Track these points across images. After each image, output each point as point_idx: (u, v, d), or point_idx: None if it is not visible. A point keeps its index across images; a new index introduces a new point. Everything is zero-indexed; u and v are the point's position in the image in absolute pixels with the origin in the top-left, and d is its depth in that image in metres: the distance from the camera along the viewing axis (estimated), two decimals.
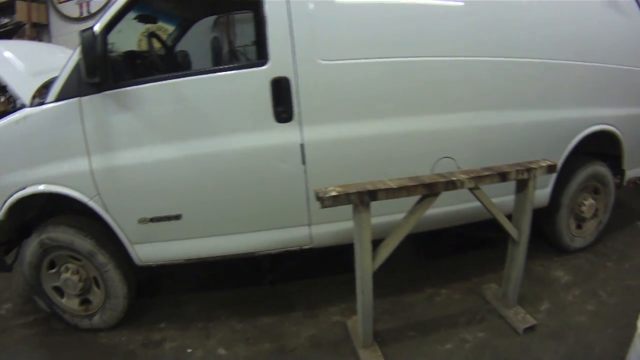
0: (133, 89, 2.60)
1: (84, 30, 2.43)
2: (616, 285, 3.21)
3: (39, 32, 6.78)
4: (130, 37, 3.38)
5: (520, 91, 3.01)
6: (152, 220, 2.78)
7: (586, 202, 3.48)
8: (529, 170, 2.59)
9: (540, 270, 3.42)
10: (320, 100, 2.66)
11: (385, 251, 2.50)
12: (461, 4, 2.84)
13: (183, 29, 3.81)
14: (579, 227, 3.58)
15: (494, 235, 3.63)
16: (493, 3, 2.89)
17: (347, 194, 2.27)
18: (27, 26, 6.60)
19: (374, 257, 2.46)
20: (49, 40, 6.68)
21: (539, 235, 3.35)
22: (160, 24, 3.82)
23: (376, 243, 2.49)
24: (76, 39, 2.48)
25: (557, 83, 3.10)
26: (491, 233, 3.70)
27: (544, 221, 3.40)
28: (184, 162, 2.68)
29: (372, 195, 2.30)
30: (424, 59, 2.74)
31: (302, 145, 2.68)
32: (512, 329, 2.83)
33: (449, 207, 2.94)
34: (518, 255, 2.82)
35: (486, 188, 2.58)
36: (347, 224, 2.63)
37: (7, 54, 3.03)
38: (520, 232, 2.76)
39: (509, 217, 2.77)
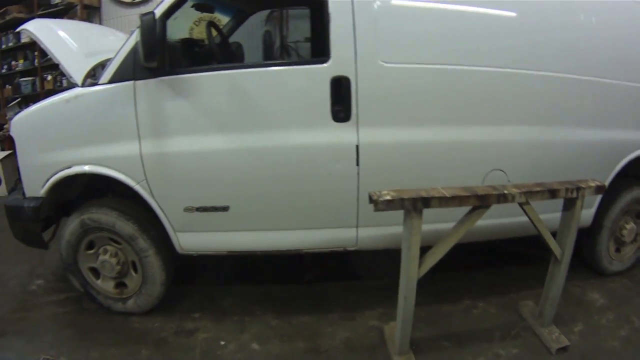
0: (190, 77, 2.60)
1: (144, 14, 2.42)
2: None
3: (90, 14, 6.82)
4: (182, 25, 3.37)
5: (574, 108, 2.97)
6: (199, 209, 2.78)
7: (627, 226, 3.42)
8: (578, 189, 2.55)
9: (576, 290, 3.38)
10: (379, 102, 2.64)
11: (432, 259, 2.48)
12: (526, 18, 2.81)
13: (238, 20, 3.81)
14: (617, 250, 3.53)
15: (534, 252, 3.61)
16: (556, 20, 2.86)
17: (401, 199, 2.26)
18: (78, 7, 6.63)
19: (420, 264, 2.44)
20: (100, 23, 6.70)
21: (576, 255, 3.30)
22: (215, 14, 3.82)
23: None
24: (127, 23, 2.49)
25: (611, 103, 3.05)
26: (532, 249, 3.67)
27: (584, 241, 3.35)
28: (236, 154, 2.68)
29: (426, 202, 2.28)
30: (483, 69, 2.71)
31: (357, 147, 2.66)
32: (545, 348, 2.80)
33: (495, 220, 2.90)
34: (559, 274, 2.78)
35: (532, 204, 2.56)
36: (394, 229, 2.63)
37: (62, 33, 3.04)
38: (563, 251, 2.73)
39: (552, 234, 2.74)
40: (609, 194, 3.23)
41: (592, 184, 2.60)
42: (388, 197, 2.25)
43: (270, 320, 3.08)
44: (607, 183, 3.11)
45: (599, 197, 3.21)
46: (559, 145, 2.98)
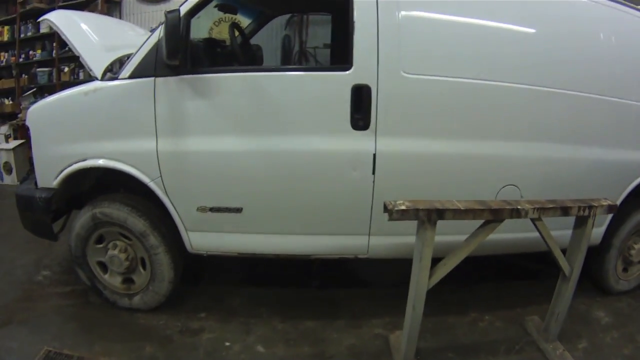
0: (211, 77, 2.62)
1: (170, 11, 2.43)
2: None
3: (110, 8, 6.84)
4: (203, 24, 3.38)
5: (589, 127, 2.97)
6: (212, 209, 2.79)
7: (636, 246, 3.43)
8: (590, 207, 2.55)
9: (582, 308, 3.37)
10: (398, 112, 2.65)
11: (443, 271, 2.48)
12: (546, 36, 2.82)
13: (260, 23, 3.82)
14: (625, 270, 3.53)
15: (542, 268, 3.61)
16: (575, 39, 2.87)
17: (416, 210, 2.26)
18: (99, 1, 6.63)
19: (430, 275, 2.44)
20: (120, 18, 6.71)
21: (583, 273, 3.30)
22: (238, 15, 3.83)
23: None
24: (146, 19, 2.49)
25: (626, 123, 3.06)
26: (540, 265, 3.67)
27: (591, 260, 3.33)
28: (253, 156, 2.68)
29: (440, 214, 2.29)
30: (502, 84, 2.72)
31: (374, 155, 2.67)
32: None
33: (506, 234, 2.88)
34: (566, 291, 2.78)
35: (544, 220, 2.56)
36: (405, 239, 2.64)
37: (84, 26, 3.03)
38: (572, 268, 2.73)
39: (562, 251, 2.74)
40: (619, 213, 3.21)
41: (604, 203, 2.60)
42: (403, 207, 2.25)
43: (277, 323, 3.08)
44: (618, 202, 3.12)
45: (609, 217, 3.20)
46: (573, 163, 2.98)
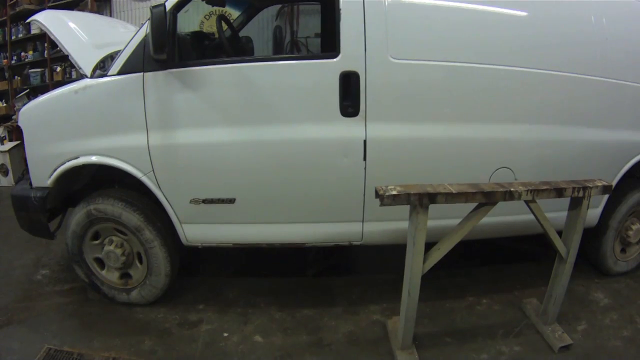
0: (199, 69, 2.61)
1: (155, 6, 2.42)
2: None
3: (100, 6, 6.84)
4: (193, 18, 3.37)
5: (583, 108, 2.97)
6: (205, 201, 2.79)
7: (633, 227, 3.42)
8: (584, 188, 2.54)
9: (580, 290, 3.38)
10: (388, 98, 2.65)
11: (437, 255, 2.48)
12: (537, 17, 2.81)
13: (249, 15, 3.80)
14: (623, 251, 3.53)
15: (540, 250, 3.60)
16: (567, 20, 2.86)
17: (408, 194, 2.26)
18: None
19: (424, 259, 2.44)
20: (110, 16, 6.70)
21: (581, 255, 3.30)
22: (226, 8, 3.82)
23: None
24: (137, 16, 2.49)
25: (620, 104, 3.04)
26: (537, 247, 3.66)
27: (589, 241, 3.34)
28: (244, 147, 2.69)
29: (432, 198, 2.28)
30: (492, 67, 2.71)
31: (365, 141, 2.67)
32: (548, 346, 2.81)
33: (501, 217, 2.90)
34: (563, 273, 2.78)
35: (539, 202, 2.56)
36: (399, 224, 2.65)
37: (71, 25, 3.06)
38: (568, 250, 2.72)
39: (558, 233, 2.73)
40: (616, 194, 3.23)
41: (599, 184, 2.59)
42: (394, 192, 2.25)
43: (274, 312, 3.09)
44: (614, 183, 3.11)
45: (605, 198, 3.21)
46: (567, 145, 2.98)
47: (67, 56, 2.94)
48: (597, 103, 2.99)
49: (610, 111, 3.05)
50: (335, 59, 2.57)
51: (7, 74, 7.35)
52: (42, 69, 7.14)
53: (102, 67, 2.86)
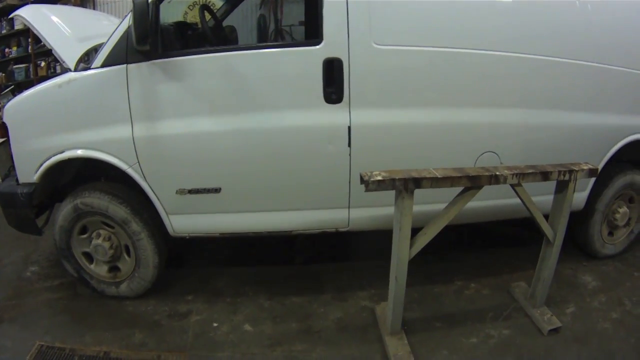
0: (182, 60, 2.60)
1: None
2: None
3: (84, 0, 6.80)
4: (177, 8, 3.35)
5: (568, 92, 2.97)
6: (191, 191, 2.79)
7: (620, 210, 3.44)
8: (570, 172, 2.56)
9: (568, 273, 3.40)
10: (371, 84, 2.65)
11: (423, 240, 2.49)
12: (520, 2, 2.81)
13: (232, 4, 3.79)
14: (610, 234, 3.55)
15: (527, 234, 3.62)
16: (551, 3, 2.85)
17: (392, 180, 2.26)
18: None
19: (411, 245, 2.45)
20: (94, 8, 6.66)
21: (569, 238, 3.32)
22: None
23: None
24: (120, 8, 2.48)
25: (605, 88, 3.05)
26: (525, 231, 3.68)
27: (576, 225, 3.37)
28: (228, 136, 2.68)
29: (417, 182, 2.29)
30: (476, 51, 2.71)
31: (349, 128, 2.67)
32: (537, 329, 2.84)
33: (487, 201, 2.91)
34: (551, 256, 2.80)
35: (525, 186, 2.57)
36: (385, 210, 2.65)
37: (54, 19, 3.04)
38: (555, 233, 2.74)
39: (545, 217, 2.75)
40: (603, 178, 3.26)
41: (585, 167, 2.61)
42: (379, 178, 2.26)
43: (263, 301, 3.10)
44: (600, 167, 3.13)
45: (592, 181, 3.23)
46: (553, 129, 2.99)
47: (51, 50, 2.92)
48: (583, 87, 3.00)
49: (596, 95, 3.06)
50: (318, 46, 2.57)
51: None
52: (27, 65, 7.12)
53: (86, 61, 2.85)
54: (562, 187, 2.68)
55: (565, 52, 2.88)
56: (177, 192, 2.79)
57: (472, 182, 2.40)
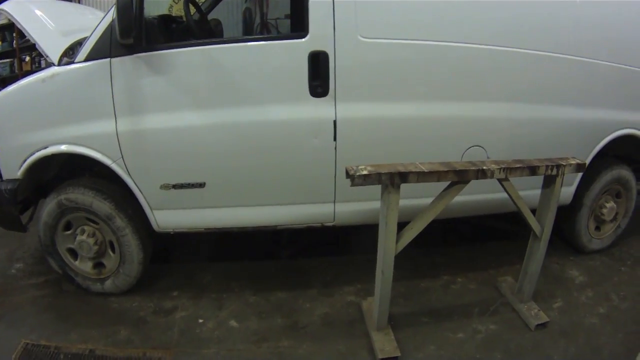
0: (166, 53, 2.57)
1: None
2: (629, 290, 3.20)
3: None
4: (162, 2, 3.32)
5: (555, 87, 2.97)
6: (175, 186, 2.76)
7: (607, 205, 3.46)
8: (558, 166, 2.56)
9: (555, 267, 3.41)
10: (357, 77, 2.63)
11: (409, 235, 2.48)
12: None
13: None
14: (597, 229, 3.57)
15: (514, 229, 3.63)
16: None
17: (378, 174, 2.25)
18: None
19: (397, 239, 2.44)
20: (78, 2, 6.51)
21: (556, 233, 3.34)
22: None
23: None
24: (105, 2, 2.45)
25: (593, 83, 3.05)
26: (511, 226, 3.68)
27: (563, 219, 3.37)
28: (212, 130, 2.66)
29: (403, 177, 2.28)
30: (464, 45, 2.70)
31: (335, 122, 2.66)
32: (524, 324, 2.84)
33: (474, 195, 2.91)
34: (538, 250, 2.80)
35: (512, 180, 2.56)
36: (371, 204, 2.64)
37: (38, 12, 3.01)
38: (542, 228, 2.74)
39: (532, 211, 2.75)
40: (590, 172, 3.27)
41: (573, 162, 2.61)
42: (365, 172, 2.24)
43: (249, 297, 3.09)
44: (587, 162, 3.13)
45: (579, 176, 3.24)
46: (540, 123, 2.99)
47: (35, 45, 2.89)
48: (571, 82, 3.00)
49: (584, 90, 3.06)
50: (303, 39, 2.54)
51: None
52: (11, 60, 7.06)
53: (70, 55, 2.81)
54: (549, 182, 2.67)
55: (553, 46, 2.88)
56: (161, 187, 2.76)
57: (459, 177, 2.39)
